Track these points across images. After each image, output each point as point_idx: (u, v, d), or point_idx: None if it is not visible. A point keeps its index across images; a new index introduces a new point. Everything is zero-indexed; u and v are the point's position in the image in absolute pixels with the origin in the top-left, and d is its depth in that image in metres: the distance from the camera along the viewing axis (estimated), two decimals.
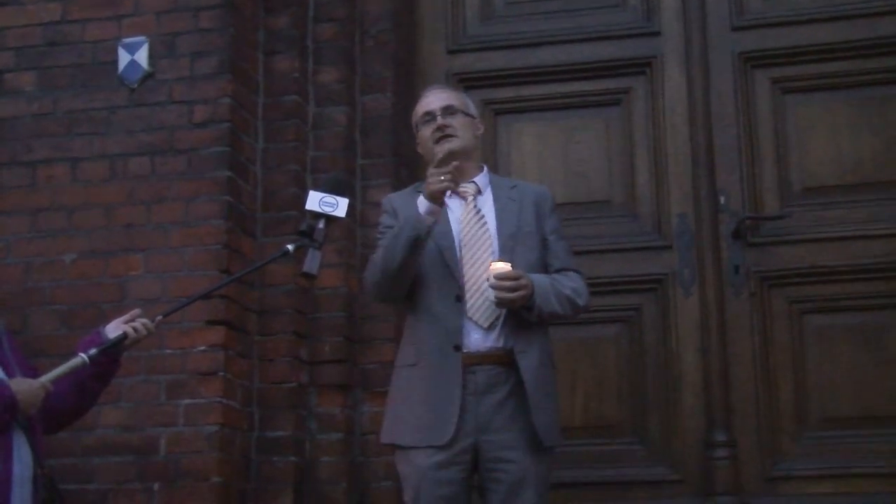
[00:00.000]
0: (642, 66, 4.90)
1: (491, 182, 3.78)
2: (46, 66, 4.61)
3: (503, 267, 3.45)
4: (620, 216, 4.83)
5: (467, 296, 3.53)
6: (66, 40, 4.62)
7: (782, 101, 4.78)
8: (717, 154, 4.74)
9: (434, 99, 3.78)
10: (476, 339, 3.53)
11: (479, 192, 3.73)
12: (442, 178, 3.44)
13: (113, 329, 3.48)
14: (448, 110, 3.72)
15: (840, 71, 4.74)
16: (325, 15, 4.85)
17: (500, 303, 3.46)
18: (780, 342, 4.58)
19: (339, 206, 3.48)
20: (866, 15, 4.72)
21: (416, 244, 3.48)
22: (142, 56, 4.52)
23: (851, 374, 4.51)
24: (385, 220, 3.76)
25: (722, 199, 4.69)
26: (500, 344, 3.53)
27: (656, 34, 4.91)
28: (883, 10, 4.71)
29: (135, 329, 3.47)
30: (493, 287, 3.44)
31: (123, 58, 4.53)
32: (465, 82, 4.91)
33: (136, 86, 4.52)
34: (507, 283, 3.43)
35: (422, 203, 3.50)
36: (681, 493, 4.53)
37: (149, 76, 4.52)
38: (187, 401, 4.21)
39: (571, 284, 3.64)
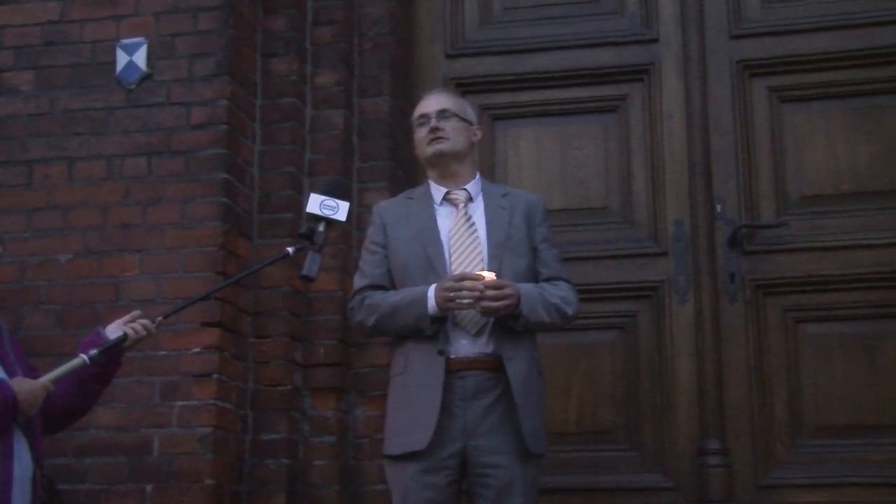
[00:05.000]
0: (640, 73, 4.90)
1: (483, 189, 3.81)
2: (44, 66, 4.61)
3: (489, 276, 3.46)
4: (617, 223, 4.82)
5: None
6: (65, 40, 4.61)
7: (780, 110, 4.78)
8: (714, 162, 4.75)
9: (430, 102, 3.83)
10: (464, 345, 3.55)
11: (470, 199, 3.76)
12: (452, 295, 3.46)
13: (113, 330, 3.47)
14: (443, 114, 3.76)
15: (838, 80, 4.74)
16: (323, 17, 4.85)
17: (485, 311, 3.48)
18: (775, 350, 4.58)
19: (339, 210, 3.49)
20: (864, 25, 4.72)
21: (415, 332, 3.55)
22: (140, 57, 4.52)
23: (846, 383, 4.51)
24: (372, 234, 3.79)
25: (718, 207, 4.69)
26: (489, 350, 3.54)
27: (654, 41, 4.91)
28: (881, 20, 4.71)
29: (135, 330, 3.46)
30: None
31: (121, 58, 4.53)
32: (463, 87, 4.91)
33: (133, 86, 4.52)
34: (492, 293, 3.44)
35: (430, 305, 3.51)
36: (674, 501, 4.53)
37: (147, 77, 4.52)
38: (181, 402, 4.21)
39: (560, 294, 3.66)
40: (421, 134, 3.79)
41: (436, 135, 3.73)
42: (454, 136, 3.75)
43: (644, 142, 4.85)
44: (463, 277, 3.48)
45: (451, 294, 3.46)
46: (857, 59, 4.72)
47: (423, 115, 3.80)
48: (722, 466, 4.49)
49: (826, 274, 4.58)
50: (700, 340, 4.60)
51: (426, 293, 3.52)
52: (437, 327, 3.53)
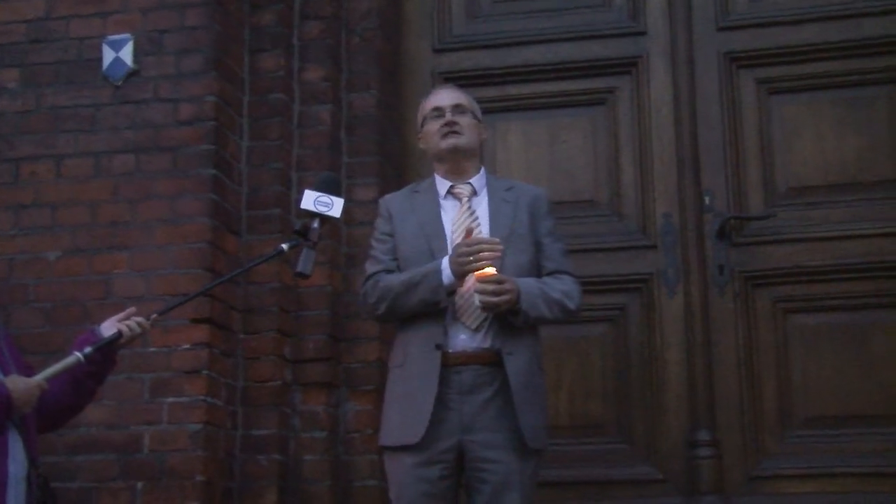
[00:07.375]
0: (628, 66, 4.90)
1: (487, 183, 3.80)
2: (30, 63, 4.60)
3: (488, 271, 3.46)
4: (605, 215, 4.83)
5: (456, 297, 3.55)
6: (51, 37, 4.60)
7: (767, 102, 4.78)
8: (703, 154, 4.75)
9: (445, 96, 3.81)
10: (463, 340, 3.55)
11: (474, 193, 3.76)
12: (470, 258, 3.45)
13: (108, 327, 3.47)
14: (458, 108, 3.75)
15: (825, 71, 4.75)
16: (310, 13, 4.84)
17: (485, 307, 3.48)
18: (765, 342, 4.59)
19: (334, 207, 3.49)
20: (851, 16, 4.73)
21: (430, 306, 3.53)
22: (126, 53, 4.51)
23: (835, 374, 4.52)
24: (381, 225, 3.80)
25: (707, 199, 4.70)
26: (487, 345, 3.55)
27: (642, 34, 4.92)
28: (868, 10, 4.72)
29: (130, 328, 3.46)
30: (477, 291, 3.46)
31: (108, 55, 4.52)
32: (451, 81, 4.85)
33: (120, 83, 4.51)
34: (491, 288, 3.44)
35: (446, 274, 3.51)
36: (664, 493, 4.54)
37: (134, 73, 4.51)
38: (171, 399, 4.21)
39: (562, 287, 3.65)
40: (434, 127, 3.75)
41: (452, 129, 3.71)
42: (468, 133, 3.74)
43: (632, 134, 4.85)
44: (470, 235, 3.51)
45: (466, 250, 3.46)
46: (844, 50, 4.73)
47: (437, 108, 3.77)
48: (712, 458, 4.50)
49: (815, 265, 4.59)
50: (690, 333, 4.61)
51: (440, 265, 3.52)
52: (452, 300, 3.53)
